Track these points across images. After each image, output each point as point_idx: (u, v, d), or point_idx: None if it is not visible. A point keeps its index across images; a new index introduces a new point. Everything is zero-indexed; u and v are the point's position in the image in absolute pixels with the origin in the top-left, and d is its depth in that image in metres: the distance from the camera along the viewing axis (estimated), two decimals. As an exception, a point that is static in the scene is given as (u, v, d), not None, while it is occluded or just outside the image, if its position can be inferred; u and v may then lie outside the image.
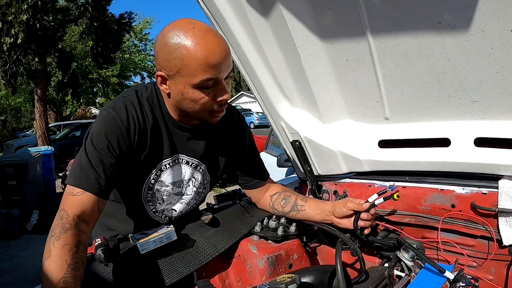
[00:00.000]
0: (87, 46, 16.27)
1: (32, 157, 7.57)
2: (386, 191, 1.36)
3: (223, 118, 1.31)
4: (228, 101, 1.29)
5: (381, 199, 1.37)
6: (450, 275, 1.10)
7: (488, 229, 1.32)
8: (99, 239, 1.22)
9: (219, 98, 1.20)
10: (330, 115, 1.59)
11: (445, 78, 1.26)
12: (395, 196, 1.33)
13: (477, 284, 1.12)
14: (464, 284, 1.09)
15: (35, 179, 7.44)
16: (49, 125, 14.74)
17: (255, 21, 1.40)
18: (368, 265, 1.59)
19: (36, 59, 12.22)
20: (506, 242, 1.27)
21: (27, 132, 26.86)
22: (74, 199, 1.12)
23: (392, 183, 1.55)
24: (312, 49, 1.40)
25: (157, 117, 1.29)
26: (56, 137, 15.17)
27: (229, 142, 1.49)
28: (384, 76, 1.36)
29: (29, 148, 9.49)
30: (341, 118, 1.60)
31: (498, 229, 1.30)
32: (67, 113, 28.01)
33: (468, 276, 1.15)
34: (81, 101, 24.03)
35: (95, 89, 25.78)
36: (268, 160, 4.76)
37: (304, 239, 1.67)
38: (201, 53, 1.09)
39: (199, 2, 1.38)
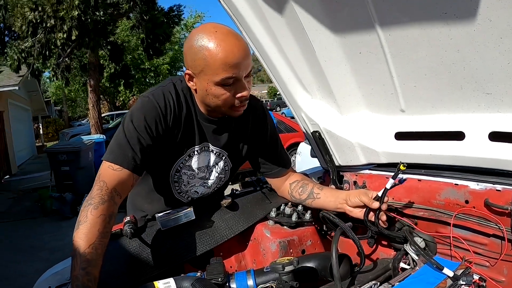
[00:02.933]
0: (139, 39, 16.81)
1: (84, 144, 7.99)
2: (394, 185, 1.36)
3: (246, 110, 1.41)
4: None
5: (391, 180, 1.35)
6: (449, 272, 1.10)
7: (500, 228, 1.26)
8: (129, 217, 1.37)
9: (239, 95, 1.30)
10: (348, 106, 1.62)
11: (456, 70, 1.25)
12: (401, 167, 1.32)
13: (484, 284, 1.09)
14: (464, 283, 1.07)
15: (87, 165, 7.85)
16: (102, 115, 15.41)
17: (270, 17, 1.46)
18: (383, 256, 1.62)
19: (89, 52, 12.81)
20: None
21: (82, 122, 28.15)
22: (113, 173, 1.25)
23: (404, 176, 1.54)
24: (326, 42, 1.43)
25: (190, 107, 1.42)
26: (109, 126, 15.89)
27: (250, 132, 1.58)
28: (396, 68, 1.37)
29: (82, 137, 10.01)
30: (359, 110, 1.62)
31: (511, 229, 1.25)
32: (120, 102, 29.07)
33: (475, 276, 1.14)
34: (133, 91, 24.85)
35: (147, 79, 26.55)
36: (307, 150, 4.79)
37: (325, 228, 1.72)
38: (221, 54, 1.21)
39: (220, 1, 1.47)
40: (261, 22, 1.49)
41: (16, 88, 12.66)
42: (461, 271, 1.13)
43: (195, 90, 1.35)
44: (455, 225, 1.38)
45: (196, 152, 1.48)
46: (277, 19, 1.46)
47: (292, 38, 1.50)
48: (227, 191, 1.80)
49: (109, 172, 1.26)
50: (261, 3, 1.43)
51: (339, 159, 1.77)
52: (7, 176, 11.69)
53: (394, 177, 1.35)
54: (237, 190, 1.81)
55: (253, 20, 1.48)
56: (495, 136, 1.32)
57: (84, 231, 1.11)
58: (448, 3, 1.11)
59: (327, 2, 1.33)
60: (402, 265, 1.33)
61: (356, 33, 1.35)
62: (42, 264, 4.68)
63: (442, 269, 1.11)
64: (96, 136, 9.86)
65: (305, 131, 1.83)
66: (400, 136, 1.56)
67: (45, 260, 4.82)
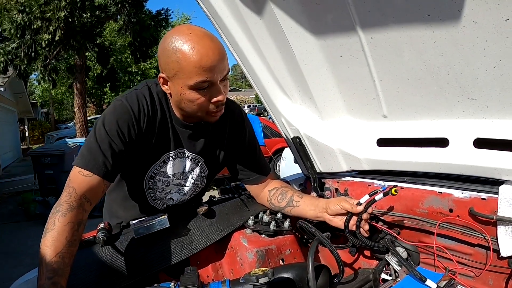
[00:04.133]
0: (126, 41, 16.78)
1: (68, 148, 7.92)
2: (376, 192, 1.32)
3: (223, 115, 1.36)
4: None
5: (381, 195, 1.31)
6: (432, 284, 1.07)
7: (486, 237, 1.23)
8: (103, 224, 1.31)
9: (214, 99, 1.25)
10: (329, 111, 1.58)
11: (440, 74, 1.21)
12: (393, 191, 1.28)
13: None
14: None
15: (71, 169, 7.74)
16: (89, 118, 15.34)
17: (249, 19, 1.42)
18: (365, 266, 1.58)
19: (75, 54, 12.76)
20: (504, 253, 1.18)
21: (69, 124, 27.86)
22: (83, 179, 1.21)
23: (386, 183, 1.50)
24: (306, 46, 1.39)
25: (165, 111, 1.36)
26: (95, 129, 15.79)
27: (228, 138, 1.53)
28: (378, 72, 1.33)
29: (67, 140, 9.92)
30: (340, 115, 1.58)
31: (497, 239, 1.21)
32: (107, 105, 28.88)
33: (459, 287, 1.11)
34: (120, 93, 24.67)
35: (134, 82, 26.39)
36: (291, 156, 4.79)
37: (305, 237, 1.67)
38: (195, 57, 1.15)
39: (198, 3, 1.42)
40: (240, 24, 1.44)
41: (2, 89, 12.53)
42: (444, 282, 1.12)
43: (170, 94, 1.30)
44: (438, 235, 1.35)
45: (171, 158, 1.43)
46: (256, 21, 1.42)
47: (272, 41, 1.46)
48: (205, 198, 1.75)
49: (79, 178, 1.21)
50: (240, 4, 1.38)
51: (320, 166, 1.73)
52: (-9, 179, 11.50)
53: (384, 195, 1.31)
54: (215, 197, 1.76)
55: (232, 21, 1.44)
56: (480, 143, 1.28)
57: (51, 239, 1.07)
58: (432, 4, 1.07)
59: (307, 4, 1.28)
60: (383, 276, 1.30)
61: (337, 36, 1.31)
62: (24, 269, 4.60)
63: (425, 281, 1.09)
64: (81, 139, 9.79)
65: (285, 137, 1.78)
66: (383, 142, 1.52)
67: (28, 265, 4.72)
